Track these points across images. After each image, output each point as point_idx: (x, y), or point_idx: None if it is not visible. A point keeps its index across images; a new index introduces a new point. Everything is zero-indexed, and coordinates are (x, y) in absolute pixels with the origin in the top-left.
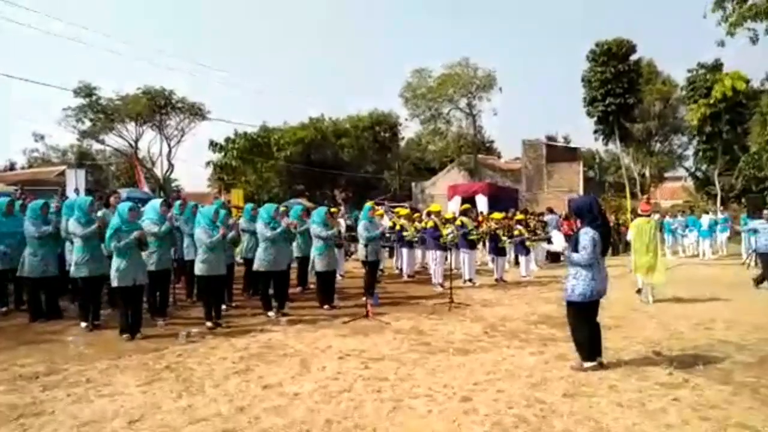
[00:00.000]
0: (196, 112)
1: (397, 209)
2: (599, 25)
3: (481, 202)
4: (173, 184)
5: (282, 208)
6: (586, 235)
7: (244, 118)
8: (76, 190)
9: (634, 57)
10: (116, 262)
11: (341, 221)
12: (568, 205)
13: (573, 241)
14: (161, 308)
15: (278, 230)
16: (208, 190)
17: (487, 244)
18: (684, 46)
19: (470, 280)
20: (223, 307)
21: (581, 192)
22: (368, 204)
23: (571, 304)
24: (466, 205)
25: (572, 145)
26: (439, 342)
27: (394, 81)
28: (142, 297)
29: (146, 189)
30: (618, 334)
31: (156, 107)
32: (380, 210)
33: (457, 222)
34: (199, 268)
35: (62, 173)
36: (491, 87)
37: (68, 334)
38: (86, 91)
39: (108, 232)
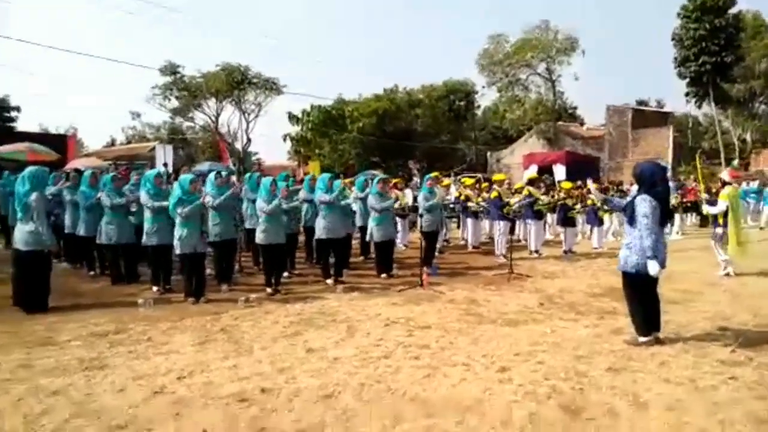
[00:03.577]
0: (272, 87)
1: (463, 179)
2: None
3: (559, 172)
4: (254, 158)
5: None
6: (645, 202)
7: (322, 92)
8: (165, 164)
9: (733, 10)
10: (178, 231)
11: (408, 192)
12: (633, 171)
13: (629, 208)
14: (226, 275)
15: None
16: (288, 162)
17: (556, 215)
18: None
19: (536, 251)
20: (285, 274)
21: (670, 160)
22: (431, 174)
23: (626, 275)
24: (533, 174)
25: (665, 109)
26: (490, 313)
27: (472, 48)
28: (203, 264)
29: (229, 163)
30: (685, 308)
31: (233, 83)
32: (447, 180)
33: (524, 192)
34: (259, 237)
35: (153, 149)
36: (573, 50)
37: (140, 297)
38: (171, 70)
39: (171, 202)
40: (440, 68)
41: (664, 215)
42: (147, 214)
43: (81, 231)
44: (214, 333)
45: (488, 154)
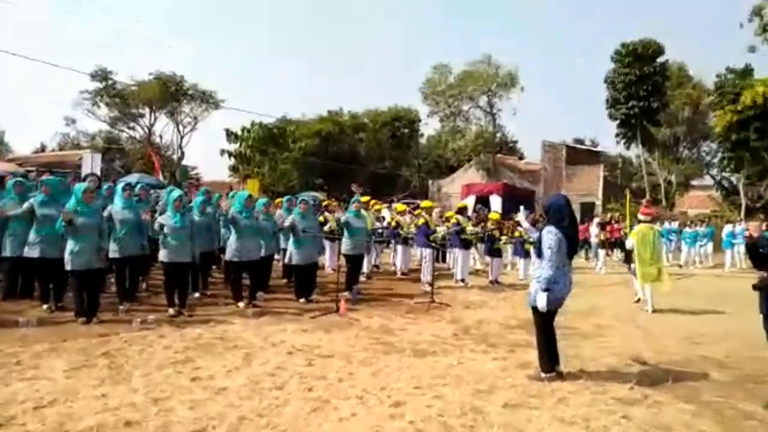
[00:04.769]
0: (208, 100)
1: (396, 205)
2: (627, 26)
3: (495, 203)
4: (193, 172)
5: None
6: (550, 234)
7: (264, 110)
8: (92, 174)
9: (661, 59)
10: (69, 246)
11: (338, 215)
12: (542, 204)
13: (537, 240)
14: (129, 293)
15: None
16: (229, 179)
17: (482, 244)
18: (718, 50)
19: (462, 280)
20: (197, 295)
21: (600, 196)
22: (357, 197)
23: (534, 309)
24: (462, 203)
25: (597, 148)
26: (401, 342)
27: (415, 76)
28: (98, 281)
29: (160, 176)
30: (595, 343)
31: (168, 93)
32: (378, 205)
33: (452, 220)
34: (162, 255)
35: (81, 157)
36: (513, 86)
37: (25, 315)
38: (102, 75)
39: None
40: (385, 94)
41: (572, 249)
42: (41, 224)
43: None
44: (94, 357)
45: (430, 182)
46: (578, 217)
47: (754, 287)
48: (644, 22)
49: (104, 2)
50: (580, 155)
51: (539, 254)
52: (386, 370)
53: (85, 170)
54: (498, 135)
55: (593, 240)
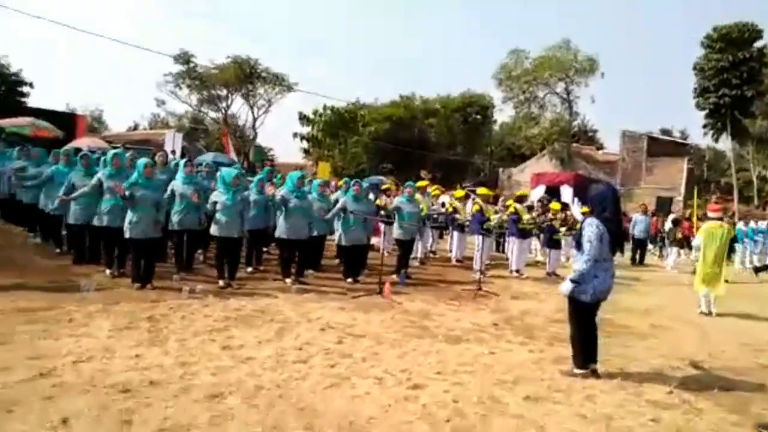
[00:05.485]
0: (281, 82)
1: (455, 191)
2: (721, 8)
3: (566, 193)
4: (269, 153)
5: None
6: (591, 227)
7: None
8: (173, 151)
9: (758, 44)
10: (129, 216)
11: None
12: (587, 193)
13: (577, 233)
14: (186, 264)
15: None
16: (304, 161)
17: (542, 235)
18: None
19: (517, 270)
20: (249, 269)
21: (682, 191)
22: (410, 182)
23: (571, 302)
24: (522, 192)
25: (683, 140)
26: (438, 328)
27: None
28: (154, 250)
29: (232, 155)
30: (645, 343)
31: (243, 76)
32: (438, 190)
33: (510, 209)
34: (213, 230)
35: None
36: (592, 72)
37: (89, 279)
38: (185, 58)
39: (125, 185)
40: (458, 79)
41: (614, 241)
42: (107, 195)
43: (50, 208)
44: (138, 320)
45: (500, 170)
46: (653, 211)
47: None
48: (740, 2)
49: None
50: (664, 146)
51: (578, 246)
52: (413, 353)
53: (167, 148)
54: (576, 123)
55: (667, 237)
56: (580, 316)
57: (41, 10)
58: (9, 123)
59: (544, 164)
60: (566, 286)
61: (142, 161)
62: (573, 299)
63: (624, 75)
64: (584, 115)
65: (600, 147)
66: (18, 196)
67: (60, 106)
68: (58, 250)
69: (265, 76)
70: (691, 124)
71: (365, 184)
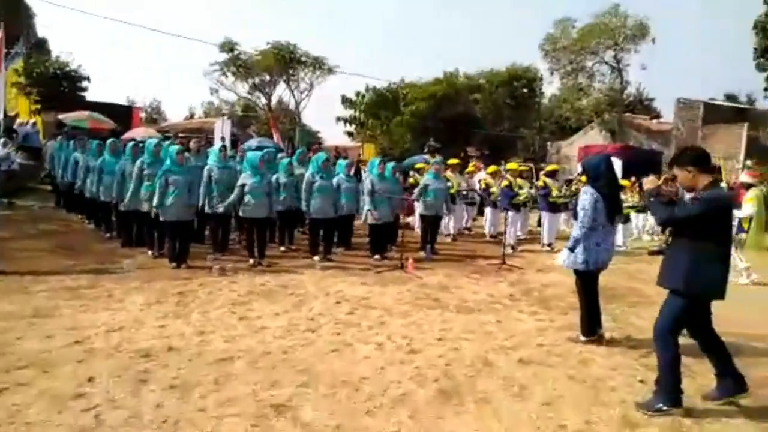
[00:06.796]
0: (321, 65)
1: (491, 167)
2: None
3: (615, 165)
4: (318, 135)
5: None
6: (585, 195)
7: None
8: (222, 138)
9: None
10: (163, 200)
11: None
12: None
13: (574, 202)
14: (221, 244)
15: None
16: (351, 144)
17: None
18: None
19: (549, 244)
20: (282, 248)
21: (741, 159)
22: (438, 159)
23: (576, 273)
24: (553, 166)
25: (743, 105)
26: (452, 300)
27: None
28: (188, 232)
29: (277, 140)
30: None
31: (283, 61)
32: (472, 166)
33: (540, 183)
34: (242, 211)
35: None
36: (643, 37)
37: (132, 259)
38: (229, 47)
39: (159, 171)
40: (504, 53)
41: (611, 209)
42: (146, 182)
43: (101, 196)
44: (168, 296)
45: (548, 144)
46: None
47: None
48: None
49: None
50: (724, 113)
51: (576, 215)
52: (419, 322)
53: (217, 135)
54: (630, 92)
55: None
56: (582, 284)
57: (104, 10)
58: (70, 117)
59: (593, 136)
60: (561, 256)
61: (173, 148)
62: (576, 271)
63: (679, 41)
64: (639, 84)
65: (656, 116)
66: (78, 187)
67: (121, 99)
68: (108, 235)
69: (305, 60)
70: (758, 87)
71: (390, 165)
